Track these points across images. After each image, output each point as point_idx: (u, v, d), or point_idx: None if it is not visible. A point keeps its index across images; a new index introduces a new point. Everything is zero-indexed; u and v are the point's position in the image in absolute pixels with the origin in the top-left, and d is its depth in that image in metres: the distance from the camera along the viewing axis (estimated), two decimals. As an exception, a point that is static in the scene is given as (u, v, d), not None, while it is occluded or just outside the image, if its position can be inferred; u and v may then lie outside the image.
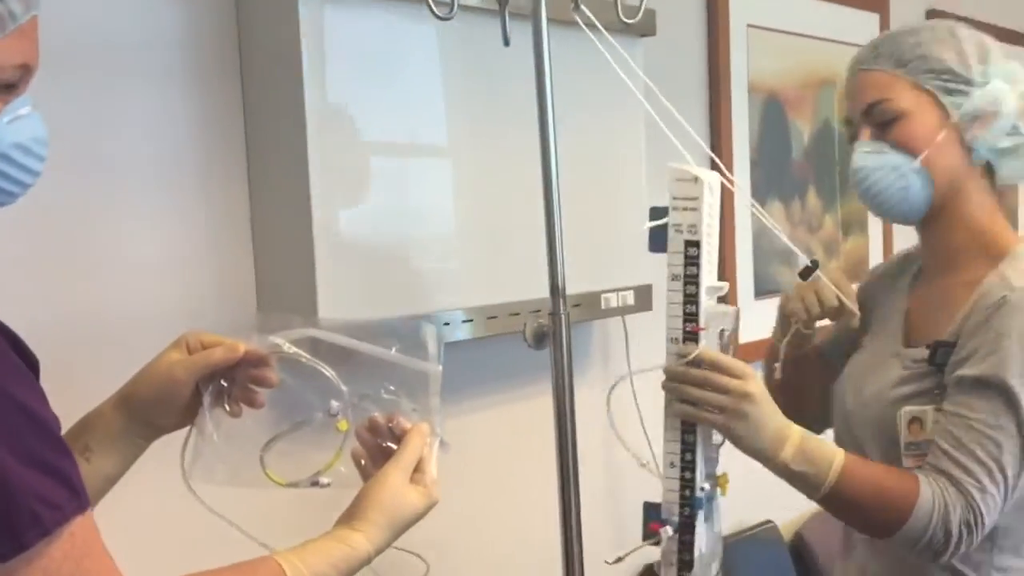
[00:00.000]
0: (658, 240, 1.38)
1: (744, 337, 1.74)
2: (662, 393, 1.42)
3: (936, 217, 1.56)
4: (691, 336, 1.37)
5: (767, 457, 1.41)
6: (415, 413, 1.19)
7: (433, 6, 1.45)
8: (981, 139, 1.52)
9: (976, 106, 1.50)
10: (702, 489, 1.39)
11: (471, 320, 1.89)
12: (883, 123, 1.53)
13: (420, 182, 1.86)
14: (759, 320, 2.03)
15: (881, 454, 1.54)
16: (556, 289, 1.50)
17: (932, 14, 3.51)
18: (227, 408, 1.19)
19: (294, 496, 1.21)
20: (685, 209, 1.35)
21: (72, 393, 1.14)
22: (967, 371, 1.44)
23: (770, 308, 1.75)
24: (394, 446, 1.17)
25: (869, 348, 1.68)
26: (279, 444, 1.20)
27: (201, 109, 1.68)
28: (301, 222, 1.67)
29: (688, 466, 1.39)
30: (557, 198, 1.50)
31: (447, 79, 1.88)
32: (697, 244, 1.34)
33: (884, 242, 3.25)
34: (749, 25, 2.74)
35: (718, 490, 1.44)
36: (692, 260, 1.34)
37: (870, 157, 1.53)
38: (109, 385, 1.20)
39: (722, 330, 1.39)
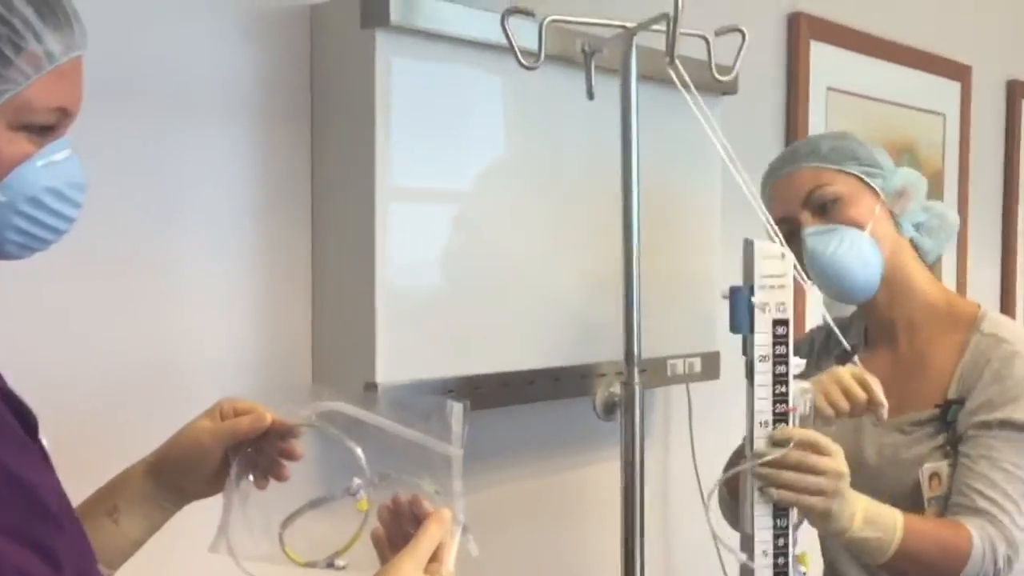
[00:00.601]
0: (740, 319, 1.33)
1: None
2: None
3: (884, 290, 1.66)
4: (781, 417, 1.34)
5: (843, 530, 1.42)
6: (438, 496, 1.13)
7: (520, 56, 1.39)
8: (908, 213, 1.67)
9: (896, 185, 1.66)
10: (803, 574, 1.39)
11: (533, 382, 1.82)
12: (823, 206, 1.63)
13: (484, 238, 1.78)
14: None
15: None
16: (631, 356, 1.43)
17: (1013, 85, 3.46)
18: (252, 479, 1.17)
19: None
20: (772, 287, 1.31)
21: (116, 442, 1.17)
22: (989, 416, 1.54)
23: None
24: (412, 531, 1.11)
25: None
26: (300, 520, 1.16)
27: (269, 152, 1.63)
28: (363, 277, 1.61)
29: (781, 552, 1.36)
30: (637, 262, 1.43)
31: (516, 132, 1.82)
32: (786, 323, 1.31)
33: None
34: (829, 88, 2.67)
35: (802, 568, 1.42)
36: (781, 339, 1.30)
37: (822, 238, 1.61)
38: (150, 436, 1.18)
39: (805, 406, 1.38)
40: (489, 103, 1.78)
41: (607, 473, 2.01)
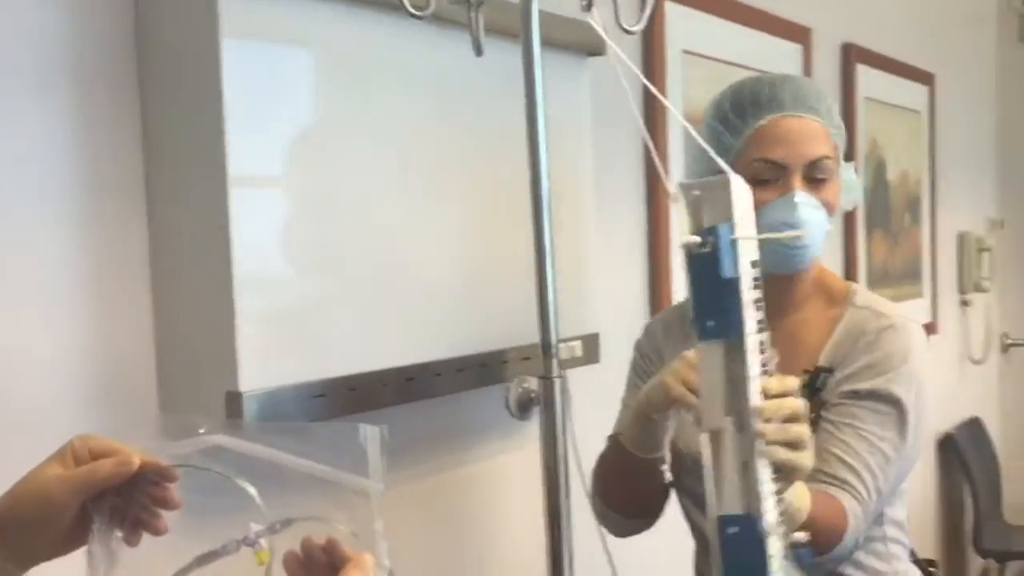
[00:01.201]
0: (725, 261, 1.11)
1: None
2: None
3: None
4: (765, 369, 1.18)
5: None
6: (355, 539, 0.96)
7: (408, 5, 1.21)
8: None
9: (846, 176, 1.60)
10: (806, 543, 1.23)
11: (413, 379, 1.63)
12: (819, 178, 1.53)
13: (362, 222, 1.58)
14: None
15: None
16: (548, 347, 1.26)
17: (847, 48, 3.46)
18: (121, 535, 0.96)
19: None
20: (748, 226, 1.14)
21: None
22: (859, 385, 1.52)
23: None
24: None
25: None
26: None
27: (88, 128, 1.38)
28: (218, 269, 1.39)
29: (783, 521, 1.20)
30: (550, 242, 1.26)
31: (395, 100, 1.62)
32: (757, 263, 1.13)
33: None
34: (685, 51, 2.55)
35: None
36: (757, 282, 1.12)
37: (812, 212, 1.52)
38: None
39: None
40: (363, 66, 1.57)
41: (522, 462, 1.95)
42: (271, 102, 1.43)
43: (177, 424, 0.99)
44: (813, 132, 1.54)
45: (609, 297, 2.17)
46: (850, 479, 1.47)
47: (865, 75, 3.53)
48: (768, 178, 1.52)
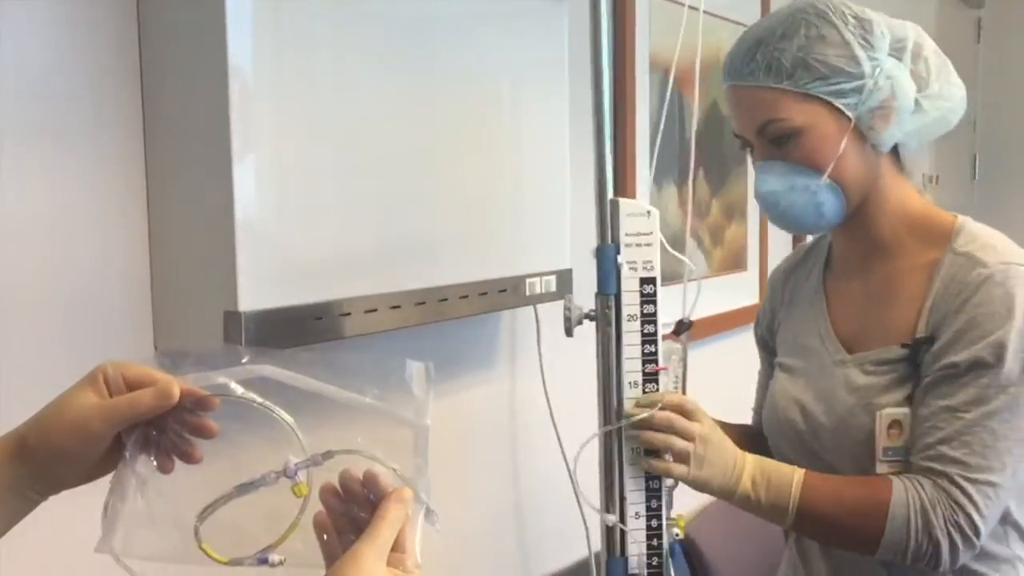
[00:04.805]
0: (607, 277, 1.34)
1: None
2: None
3: (854, 216, 1.47)
4: (651, 377, 1.32)
5: (729, 492, 1.35)
6: (395, 474, 0.95)
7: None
8: (887, 133, 1.42)
9: (875, 101, 1.40)
10: (676, 535, 1.36)
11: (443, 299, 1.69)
12: (778, 140, 1.43)
13: (364, 144, 1.59)
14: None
15: (859, 469, 1.44)
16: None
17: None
18: (155, 462, 0.95)
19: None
20: (639, 245, 1.31)
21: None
22: (955, 357, 1.35)
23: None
24: (366, 516, 0.93)
25: (799, 366, 1.57)
26: (220, 511, 0.95)
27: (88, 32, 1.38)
28: (218, 184, 1.39)
29: (654, 514, 1.34)
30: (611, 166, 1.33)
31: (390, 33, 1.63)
32: (653, 281, 1.31)
33: (761, 230, 3.19)
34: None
35: (676, 530, 1.39)
36: (648, 297, 1.31)
37: (776, 181, 1.43)
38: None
39: (674, 367, 1.39)
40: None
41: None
42: (273, 23, 1.43)
43: (218, 352, 0.97)
44: (755, 101, 1.44)
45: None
46: (935, 467, 1.33)
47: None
48: (749, 147, 1.50)
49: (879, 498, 1.33)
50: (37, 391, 1.36)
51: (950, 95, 1.45)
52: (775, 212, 1.46)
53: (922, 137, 1.46)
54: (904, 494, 1.33)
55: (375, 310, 1.60)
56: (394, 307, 1.64)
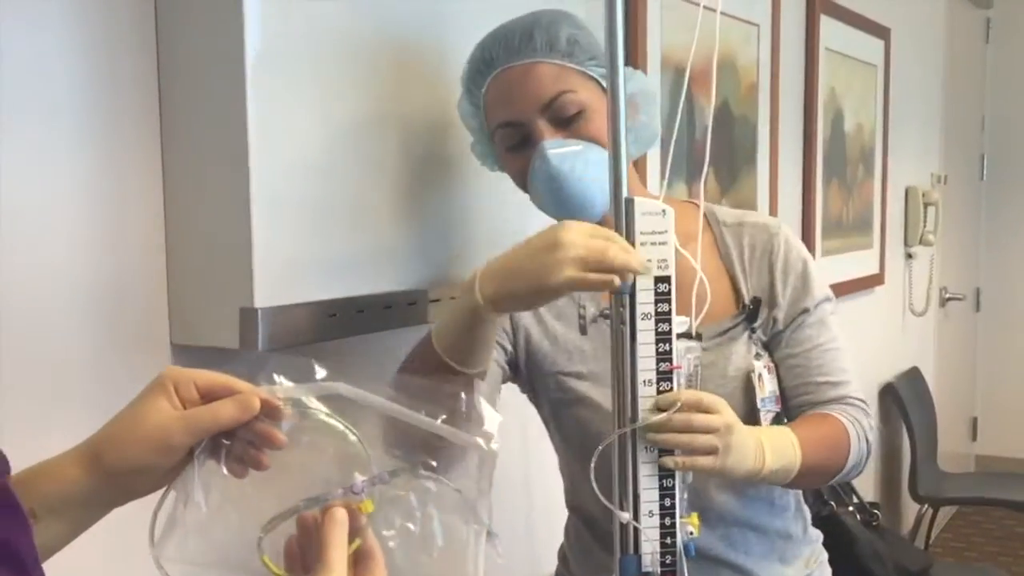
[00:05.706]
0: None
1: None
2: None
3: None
4: (665, 376, 1.31)
5: (755, 472, 1.36)
6: (459, 495, 0.96)
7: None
8: (641, 124, 1.50)
9: (633, 89, 1.47)
10: (690, 533, 1.34)
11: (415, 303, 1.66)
12: (565, 119, 1.43)
13: (374, 146, 1.59)
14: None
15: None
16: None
17: (812, -1, 3.50)
18: (224, 469, 0.93)
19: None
20: (654, 244, 1.29)
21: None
22: (799, 308, 1.54)
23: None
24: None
25: None
26: (283, 524, 0.94)
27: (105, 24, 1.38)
28: (235, 179, 1.39)
29: (668, 512, 1.33)
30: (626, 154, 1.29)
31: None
32: (668, 280, 1.29)
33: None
34: (664, -5, 2.60)
35: (690, 528, 1.37)
36: (663, 296, 1.29)
37: (567, 158, 1.41)
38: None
39: (690, 365, 1.37)
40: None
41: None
42: (288, 18, 1.43)
43: (292, 365, 0.96)
44: (542, 75, 1.43)
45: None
46: (841, 392, 1.52)
47: (827, 26, 3.59)
48: (516, 142, 1.46)
49: (839, 435, 1.48)
50: (54, 387, 1.37)
51: (654, 125, 1.55)
52: (566, 191, 1.42)
53: (636, 150, 1.52)
54: (851, 425, 1.49)
55: (389, 307, 1.60)
56: (410, 304, 1.64)
